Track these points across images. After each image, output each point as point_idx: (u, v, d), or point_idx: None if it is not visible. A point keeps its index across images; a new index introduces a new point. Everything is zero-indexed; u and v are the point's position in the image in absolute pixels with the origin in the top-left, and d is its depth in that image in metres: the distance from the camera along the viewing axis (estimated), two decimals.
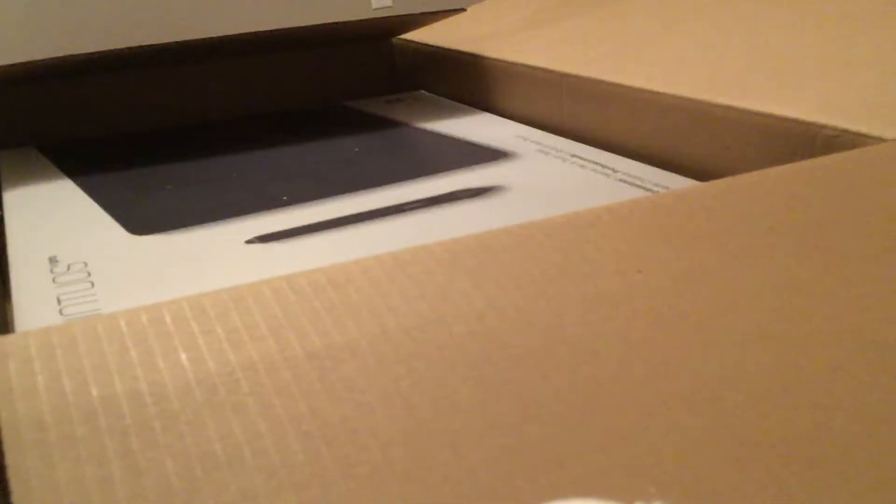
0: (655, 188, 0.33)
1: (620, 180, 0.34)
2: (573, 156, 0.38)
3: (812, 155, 0.28)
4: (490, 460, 0.13)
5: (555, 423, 0.14)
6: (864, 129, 0.27)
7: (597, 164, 0.36)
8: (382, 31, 0.60)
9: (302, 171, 0.40)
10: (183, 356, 0.15)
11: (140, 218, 0.33)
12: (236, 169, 0.41)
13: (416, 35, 0.59)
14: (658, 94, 0.35)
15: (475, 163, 0.38)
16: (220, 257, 0.28)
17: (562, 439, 0.14)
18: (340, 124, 0.50)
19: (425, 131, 0.46)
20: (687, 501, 0.12)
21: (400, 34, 0.60)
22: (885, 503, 0.12)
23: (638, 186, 0.33)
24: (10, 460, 0.13)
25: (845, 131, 0.27)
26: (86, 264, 0.28)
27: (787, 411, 0.14)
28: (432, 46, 0.56)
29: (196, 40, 0.48)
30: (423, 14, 0.53)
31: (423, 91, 0.57)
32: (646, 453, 0.13)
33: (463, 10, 0.59)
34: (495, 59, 0.48)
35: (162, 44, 0.53)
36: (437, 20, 0.59)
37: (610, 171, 0.35)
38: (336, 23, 0.56)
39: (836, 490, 0.13)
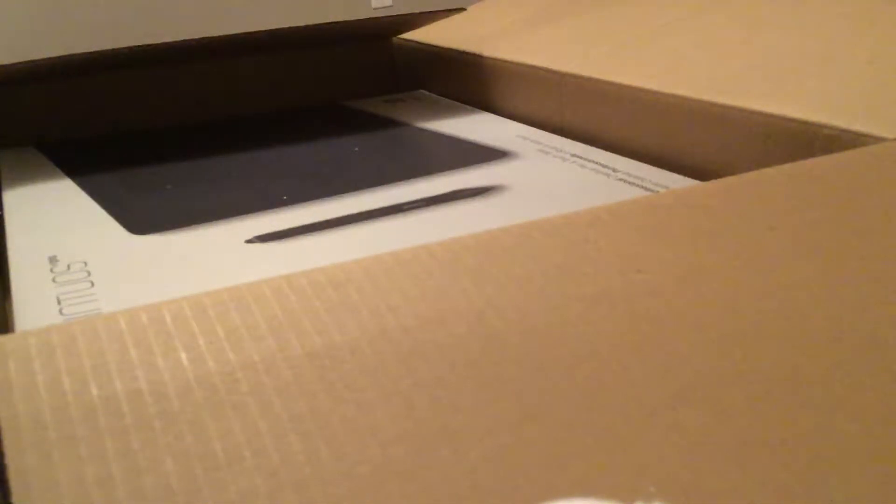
0: (655, 188, 0.33)
1: (620, 180, 0.34)
2: (573, 155, 0.38)
3: (812, 154, 0.28)
4: (490, 460, 0.13)
5: (555, 422, 0.14)
6: (863, 128, 0.27)
7: (597, 163, 0.36)
8: (382, 30, 0.60)
9: (302, 170, 0.40)
10: (183, 356, 0.15)
11: (140, 217, 0.33)
12: (236, 168, 0.41)
13: (417, 34, 0.59)
14: (658, 93, 0.35)
15: (475, 162, 0.38)
16: (221, 257, 0.28)
17: (562, 439, 0.14)
18: (340, 124, 0.50)
19: (425, 131, 0.46)
20: (687, 501, 0.12)
21: (400, 34, 0.60)
22: (885, 502, 0.12)
23: (638, 186, 0.33)
24: (10, 460, 0.13)
25: (845, 131, 0.27)
26: (86, 264, 0.28)
27: (788, 411, 0.14)
28: (432, 46, 0.56)
29: (196, 40, 0.48)
30: (422, 14, 0.53)
31: (423, 91, 0.57)
32: (646, 453, 0.13)
33: (463, 9, 0.59)
34: (495, 59, 0.48)
35: (162, 44, 0.53)
36: (436, 20, 0.58)
37: (610, 171, 0.35)
38: (336, 22, 0.56)
39: (837, 490, 0.13)
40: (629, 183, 0.33)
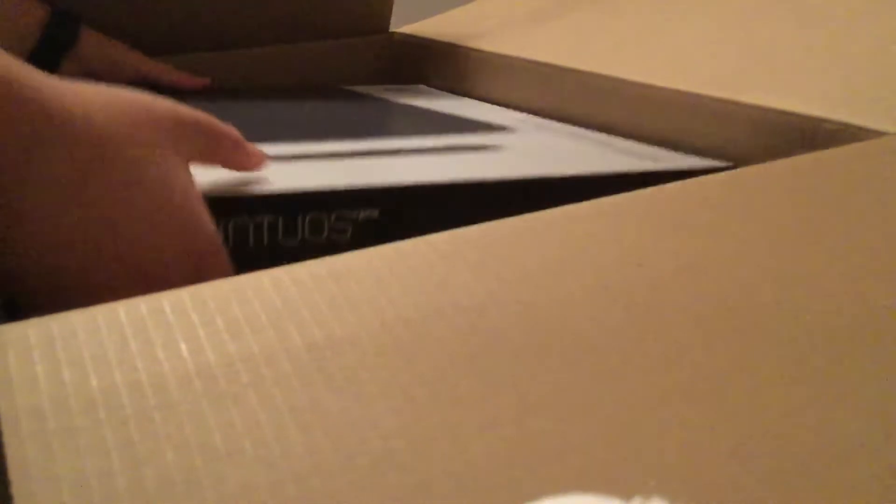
0: (648, 158, 0.33)
1: (618, 151, 0.34)
2: (571, 134, 0.38)
3: (813, 149, 0.28)
4: (490, 453, 0.13)
5: (555, 416, 0.14)
6: (865, 123, 0.27)
7: (592, 139, 0.37)
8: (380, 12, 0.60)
9: (296, 122, 0.40)
10: (183, 347, 0.15)
11: None
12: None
13: (418, 29, 0.59)
14: (659, 88, 0.35)
15: (474, 130, 0.39)
16: None
17: (562, 432, 0.14)
18: (341, 100, 0.50)
19: (426, 109, 0.46)
20: (686, 495, 0.12)
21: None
22: (886, 497, 0.12)
23: (634, 155, 0.33)
24: (9, 451, 0.13)
25: (846, 125, 0.27)
26: None
27: (788, 405, 0.14)
28: (433, 41, 0.56)
29: (194, 32, 0.48)
30: None
31: (423, 86, 0.57)
32: (646, 446, 0.13)
33: None
34: (496, 54, 0.48)
35: (161, 36, 0.53)
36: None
37: (605, 143, 0.36)
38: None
39: (837, 485, 0.13)
40: (623, 153, 0.34)
